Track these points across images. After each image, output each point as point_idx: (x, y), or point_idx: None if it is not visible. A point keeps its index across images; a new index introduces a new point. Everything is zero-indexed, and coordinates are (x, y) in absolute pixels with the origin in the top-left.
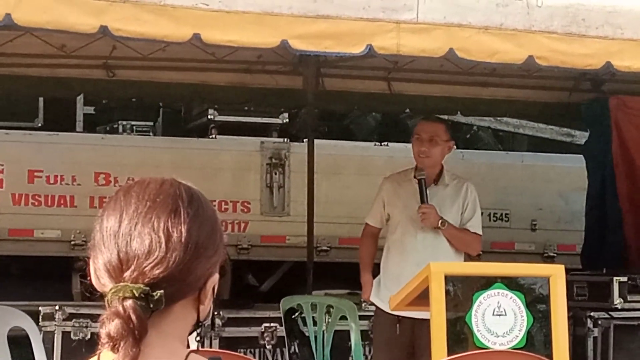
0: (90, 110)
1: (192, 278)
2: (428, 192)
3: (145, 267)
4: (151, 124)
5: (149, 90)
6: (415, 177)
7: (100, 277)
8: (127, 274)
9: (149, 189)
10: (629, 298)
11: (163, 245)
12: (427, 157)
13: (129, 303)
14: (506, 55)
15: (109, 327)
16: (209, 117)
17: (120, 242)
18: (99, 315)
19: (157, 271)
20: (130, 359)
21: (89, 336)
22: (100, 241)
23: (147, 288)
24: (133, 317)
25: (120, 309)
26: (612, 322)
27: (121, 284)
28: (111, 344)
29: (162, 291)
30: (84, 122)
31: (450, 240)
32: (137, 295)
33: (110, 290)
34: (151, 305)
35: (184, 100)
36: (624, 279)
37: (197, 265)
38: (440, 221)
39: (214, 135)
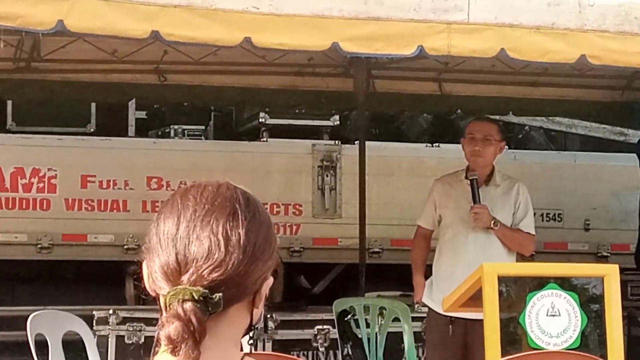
0: (142, 115)
1: (249, 281)
2: (480, 192)
3: (204, 270)
4: (202, 127)
5: (200, 94)
6: (467, 177)
7: (156, 280)
8: (185, 277)
9: (207, 192)
10: None
11: (222, 248)
12: (480, 156)
13: (188, 305)
14: (558, 55)
15: (169, 329)
16: (260, 120)
17: (179, 245)
18: (152, 319)
19: (216, 274)
20: None
21: (142, 340)
22: (157, 244)
23: (206, 291)
24: (193, 320)
25: (181, 311)
26: None
27: (180, 286)
28: (171, 346)
29: (220, 294)
30: (136, 126)
31: (503, 241)
32: (196, 298)
33: (169, 293)
34: (210, 308)
35: (235, 103)
36: None
37: (254, 269)
38: (492, 221)
39: (265, 138)
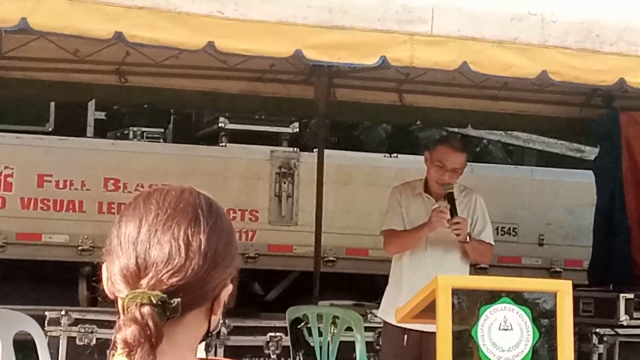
0: (101, 115)
1: (208, 288)
2: (437, 206)
3: (164, 274)
4: (162, 130)
5: (161, 97)
6: (425, 191)
7: (115, 283)
8: (144, 280)
9: (169, 196)
10: (635, 315)
11: (182, 253)
12: (446, 184)
13: (146, 310)
14: (520, 70)
15: (126, 333)
16: (220, 124)
17: (139, 249)
18: (105, 321)
19: (175, 279)
20: None
21: (94, 342)
22: (117, 247)
23: (165, 296)
24: (150, 324)
25: (138, 315)
26: (618, 339)
27: (138, 290)
28: (127, 350)
29: (179, 299)
30: (95, 127)
31: (470, 252)
32: (154, 302)
33: (127, 296)
34: (167, 313)
35: (195, 107)
36: (631, 295)
37: (214, 275)
38: (467, 235)
39: (224, 143)
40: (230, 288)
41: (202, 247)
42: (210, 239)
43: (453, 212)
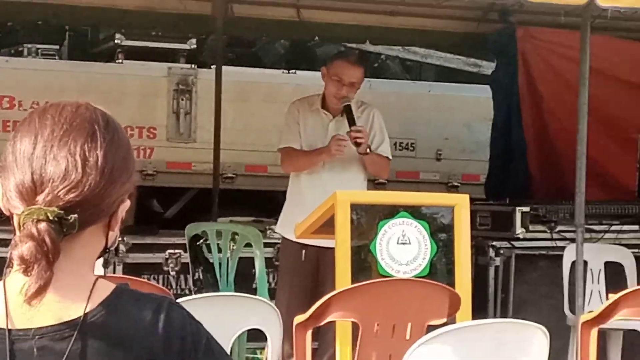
0: None
1: (106, 204)
2: (334, 125)
3: (60, 190)
4: (57, 47)
5: (55, 13)
6: (322, 107)
7: (10, 199)
8: (40, 197)
9: (65, 112)
10: (531, 228)
11: (79, 169)
12: (344, 97)
13: (42, 226)
14: None
15: (22, 249)
16: (116, 41)
17: (35, 165)
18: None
19: (72, 195)
20: (44, 282)
21: None
22: (12, 163)
23: (62, 212)
24: (47, 240)
25: (34, 231)
26: (514, 252)
27: (35, 206)
28: (24, 266)
29: (76, 215)
30: None
31: (368, 166)
32: (51, 218)
33: (23, 212)
34: (64, 230)
35: (91, 23)
36: (527, 209)
37: (111, 191)
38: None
39: (120, 60)
40: (127, 204)
41: (99, 162)
42: (107, 154)
43: (351, 123)
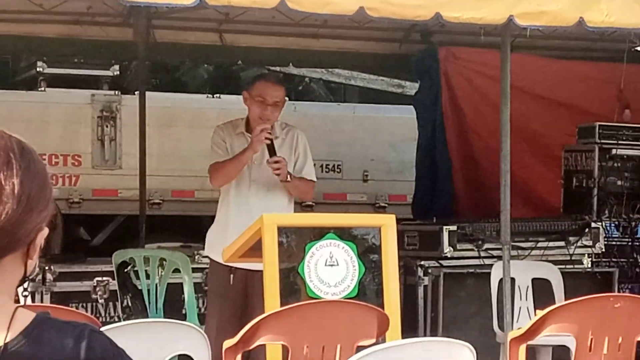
0: None
1: (23, 232)
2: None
3: None
4: None
5: None
6: (247, 131)
7: None
8: None
9: None
10: (458, 247)
11: None
12: (269, 120)
13: None
14: (337, 7)
15: None
16: (38, 69)
17: None
18: None
19: None
20: None
21: None
22: None
23: None
24: None
25: None
26: (442, 271)
27: None
28: None
29: None
30: None
31: (291, 190)
32: None
33: None
34: None
35: (11, 52)
36: (454, 227)
37: (28, 219)
38: (288, 174)
39: (43, 88)
40: (46, 232)
41: (16, 191)
42: (23, 182)
43: (272, 152)
